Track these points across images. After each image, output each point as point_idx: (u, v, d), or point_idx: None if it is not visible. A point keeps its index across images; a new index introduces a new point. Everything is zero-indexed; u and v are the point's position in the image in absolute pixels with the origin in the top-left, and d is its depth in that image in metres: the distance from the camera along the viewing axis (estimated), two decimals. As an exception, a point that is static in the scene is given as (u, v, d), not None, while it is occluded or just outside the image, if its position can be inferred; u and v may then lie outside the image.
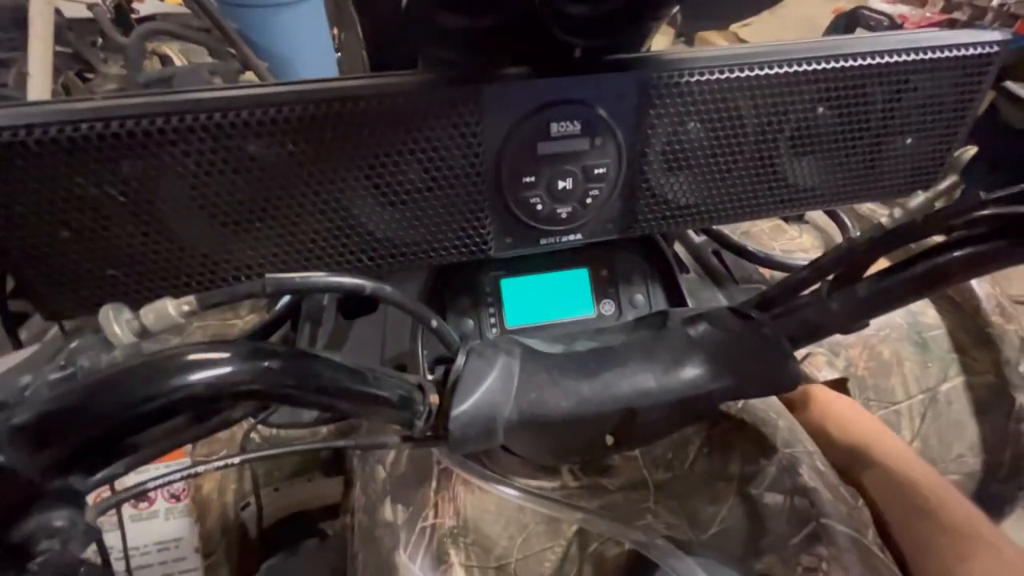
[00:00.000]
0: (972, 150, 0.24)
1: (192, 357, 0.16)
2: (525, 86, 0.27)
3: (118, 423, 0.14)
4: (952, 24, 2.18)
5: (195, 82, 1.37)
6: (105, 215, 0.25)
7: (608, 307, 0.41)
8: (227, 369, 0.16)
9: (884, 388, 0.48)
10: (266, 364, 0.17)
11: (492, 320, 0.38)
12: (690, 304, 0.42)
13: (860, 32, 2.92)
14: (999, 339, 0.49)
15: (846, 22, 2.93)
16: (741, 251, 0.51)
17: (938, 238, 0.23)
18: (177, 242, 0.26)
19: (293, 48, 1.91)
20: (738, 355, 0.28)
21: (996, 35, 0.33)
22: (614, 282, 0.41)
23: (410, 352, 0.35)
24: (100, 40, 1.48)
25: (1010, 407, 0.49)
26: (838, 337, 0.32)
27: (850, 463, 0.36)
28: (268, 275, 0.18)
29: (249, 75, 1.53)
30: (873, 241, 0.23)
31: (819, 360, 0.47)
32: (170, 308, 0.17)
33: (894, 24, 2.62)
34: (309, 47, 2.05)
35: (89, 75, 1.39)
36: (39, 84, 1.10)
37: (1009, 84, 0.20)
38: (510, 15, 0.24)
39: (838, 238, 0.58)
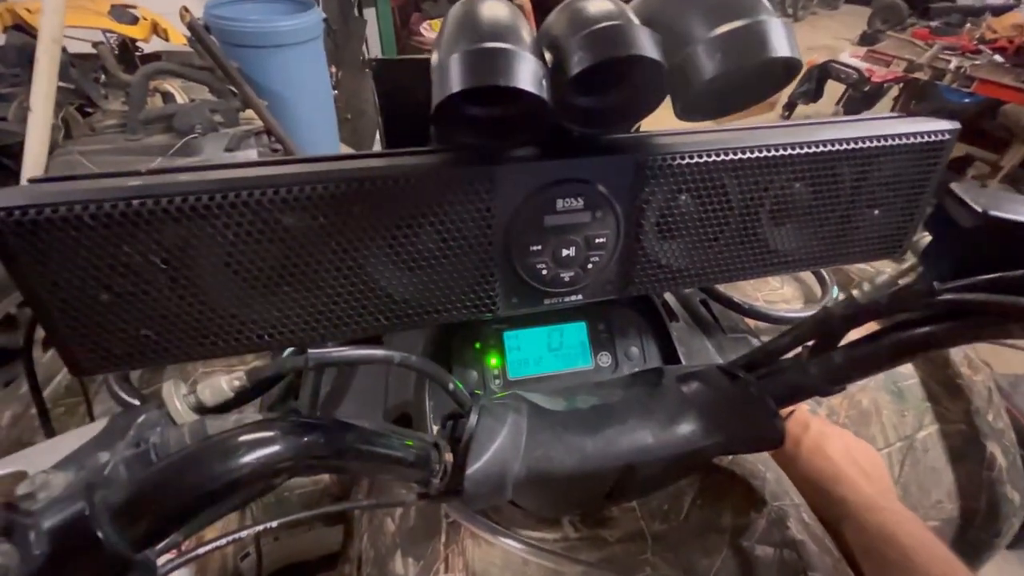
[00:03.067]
0: (927, 237, 0.27)
1: (247, 438, 0.17)
2: (534, 167, 0.30)
3: (191, 499, 0.16)
4: (908, 80, 2.34)
5: (196, 119, 1.39)
6: (145, 280, 0.26)
7: (605, 359, 0.43)
8: (276, 448, 0.17)
9: (865, 436, 0.51)
10: (309, 439, 0.19)
11: (495, 372, 0.40)
12: (680, 351, 0.45)
13: (831, 83, 3.11)
14: (968, 389, 0.52)
15: (819, 73, 3.13)
16: (727, 302, 0.54)
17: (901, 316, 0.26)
18: (209, 303, 0.28)
19: (292, 87, 1.97)
20: (728, 413, 0.30)
21: (947, 125, 0.37)
22: (611, 335, 0.43)
23: (415, 406, 0.36)
24: (103, 76, 1.51)
25: (982, 455, 0.51)
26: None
27: (828, 512, 0.38)
28: (311, 351, 0.20)
29: (249, 113, 1.57)
30: (845, 316, 0.26)
31: (803, 409, 0.49)
32: (224, 385, 0.18)
33: (862, 77, 2.81)
34: (308, 86, 2.11)
35: (90, 110, 1.42)
36: (40, 119, 1.12)
37: (954, 186, 0.23)
38: (525, 107, 0.27)
39: (817, 289, 0.62)
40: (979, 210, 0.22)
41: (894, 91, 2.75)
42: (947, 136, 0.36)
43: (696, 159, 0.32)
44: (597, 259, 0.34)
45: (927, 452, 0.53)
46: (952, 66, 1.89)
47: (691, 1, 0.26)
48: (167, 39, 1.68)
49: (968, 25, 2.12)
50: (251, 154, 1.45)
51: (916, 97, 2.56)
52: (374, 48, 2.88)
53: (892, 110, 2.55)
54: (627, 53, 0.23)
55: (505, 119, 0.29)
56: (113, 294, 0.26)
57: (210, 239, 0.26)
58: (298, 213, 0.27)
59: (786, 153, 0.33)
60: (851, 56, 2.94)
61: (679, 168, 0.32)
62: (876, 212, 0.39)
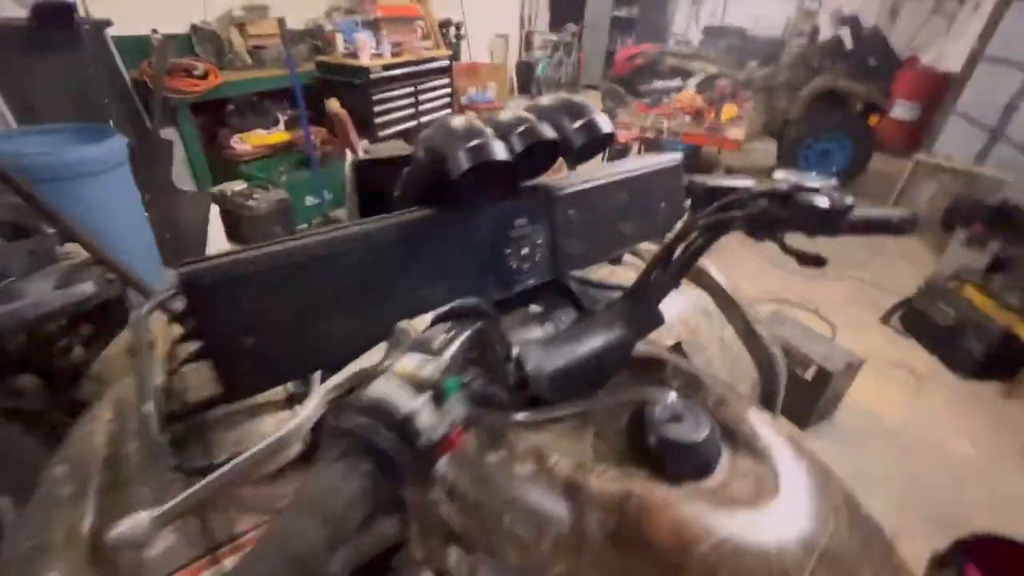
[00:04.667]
0: (686, 214, 0.56)
1: None
2: (502, 206, 0.51)
3: None
4: (644, 139, 3.26)
5: (9, 262, 1.25)
6: (280, 321, 0.39)
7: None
8: None
9: (697, 344, 0.81)
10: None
11: None
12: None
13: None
14: (737, 302, 0.87)
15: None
16: (595, 285, 0.81)
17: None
18: (317, 331, 0.41)
19: (104, 214, 1.84)
20: (634, 315, 0.54)
21: (679, 155, 0.70)
22: (551, 310, 0.65)
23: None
24: None
25: (758, 336, 0.86)
26: (669, 319, 0.61)
27: None
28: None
29: (75, 246, 1.46)
30: (667, 245, 0.52)
31: (663, 335, 0.77)
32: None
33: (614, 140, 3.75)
34: (121, 211, 1.99)
35: None
36: None
37: (692, 176, 0.51)
38: (500, 168, 0.49)
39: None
40: (698, 182, 0.51)
41: (634, 147, 3.71)
42: (680, 161, 0.69)
43: (572, 189, 0.57)
44: (538, 254, 0.55)
45: (732, 347, 0.85)
46: (665, 126, 2.74)
47: (561, 108, 0.51)
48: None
49: (665, 99, 3.11)
50: (87, 287, 1.34)
51: (650, 149, 3.52)
52: (182, 167, 2.78)
53: (639, 160, 3.50)
54: (541, 139, 0.47)
55: (487, 179, 0.49)
56: (255, 336, 0.38)
57: (325, 278, 0.41)
58: (370, 254, 0.43)
59: (616, 180, 0.61)
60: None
61: (567, 196, 0.57)
62: (663, 205, 0.70)
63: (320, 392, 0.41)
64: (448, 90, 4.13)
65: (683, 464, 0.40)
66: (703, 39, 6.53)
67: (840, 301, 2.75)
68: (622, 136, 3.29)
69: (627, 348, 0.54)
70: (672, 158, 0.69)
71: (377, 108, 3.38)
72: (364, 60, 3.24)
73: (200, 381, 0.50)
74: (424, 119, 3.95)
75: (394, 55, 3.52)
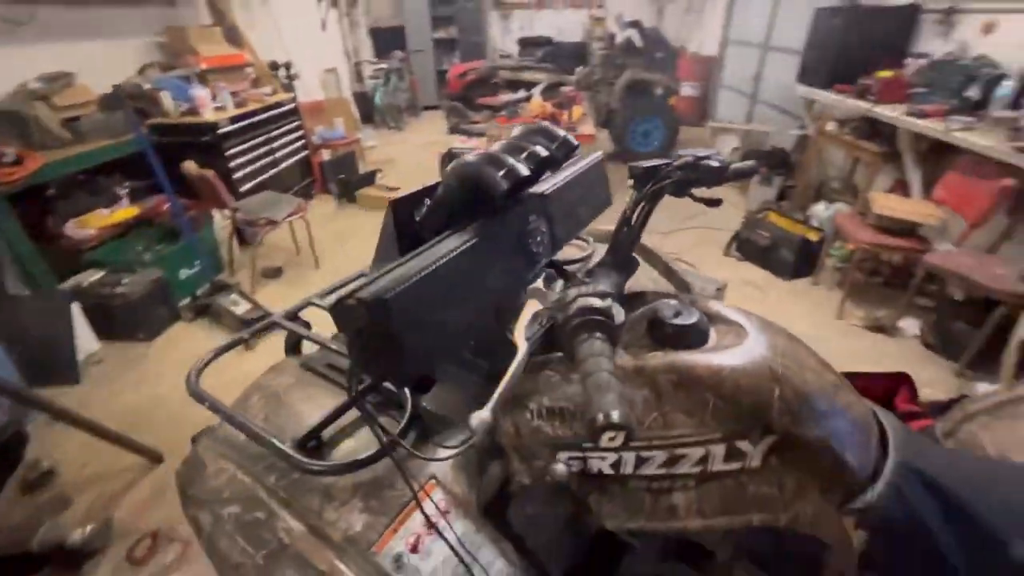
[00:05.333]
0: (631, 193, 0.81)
1: None
2: (521, 208, 0.71)
3: None
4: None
5: None
6: (424, 319, 0.54)
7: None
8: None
9: (639, 284, 1.09)
10: None
11: None
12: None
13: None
14: (657, 251, 1.17)
15: (449, 158, 4.26)
16: (569, 262, 1.04)
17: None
18: (444, 320, 0.57)
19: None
20: (620, 264, 0.78)
21: (600, 153, 0.96)
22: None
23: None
24: None
25: (677, 276, 1.17)
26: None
27: None
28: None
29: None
30: (628, 212, 0.77)
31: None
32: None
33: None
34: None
35: None
36: None
37: (632, 164, 0.77)
38: (523, 181, 0.67)
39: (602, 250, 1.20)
40: (636, 166, 0.77)
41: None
42: (602, 156, 0.95)
43: (552, 189, 0.79)
44: (544, 240, 0.76)
45: (659, 281, 1.15)
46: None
47: (539, 133, 0.72)
48: None
49: (522, 110, 3.49)
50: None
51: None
52: (8, 269, 2.37)
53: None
54: (541, 158, 0.68)
55: (510, 192, 0.68)
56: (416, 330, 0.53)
57: (442, 285, 0.56)
58: (470, 256, 0.60)
59: (574, 176, 0.84)
60: (461, 142, 4.14)
61: (551, 193, 0.78)
62: (596, 190, 0.95)
63: (523, 331, 0.57)
64: (301, 132, 4.04)
65: (691, 338, 0.64)
66: (520, 50, 7.24)
67: (691, 245, 3.40)
68: (484, 147, 3.60)
69: (623, 288, 0.78)
70: (596, 156, 0.94)
71: (233, 163, 3.21)
72: (208, 115, 3.06)
73: None
74: (284, 165, 3.82)
75: (238, 105, 3.36)
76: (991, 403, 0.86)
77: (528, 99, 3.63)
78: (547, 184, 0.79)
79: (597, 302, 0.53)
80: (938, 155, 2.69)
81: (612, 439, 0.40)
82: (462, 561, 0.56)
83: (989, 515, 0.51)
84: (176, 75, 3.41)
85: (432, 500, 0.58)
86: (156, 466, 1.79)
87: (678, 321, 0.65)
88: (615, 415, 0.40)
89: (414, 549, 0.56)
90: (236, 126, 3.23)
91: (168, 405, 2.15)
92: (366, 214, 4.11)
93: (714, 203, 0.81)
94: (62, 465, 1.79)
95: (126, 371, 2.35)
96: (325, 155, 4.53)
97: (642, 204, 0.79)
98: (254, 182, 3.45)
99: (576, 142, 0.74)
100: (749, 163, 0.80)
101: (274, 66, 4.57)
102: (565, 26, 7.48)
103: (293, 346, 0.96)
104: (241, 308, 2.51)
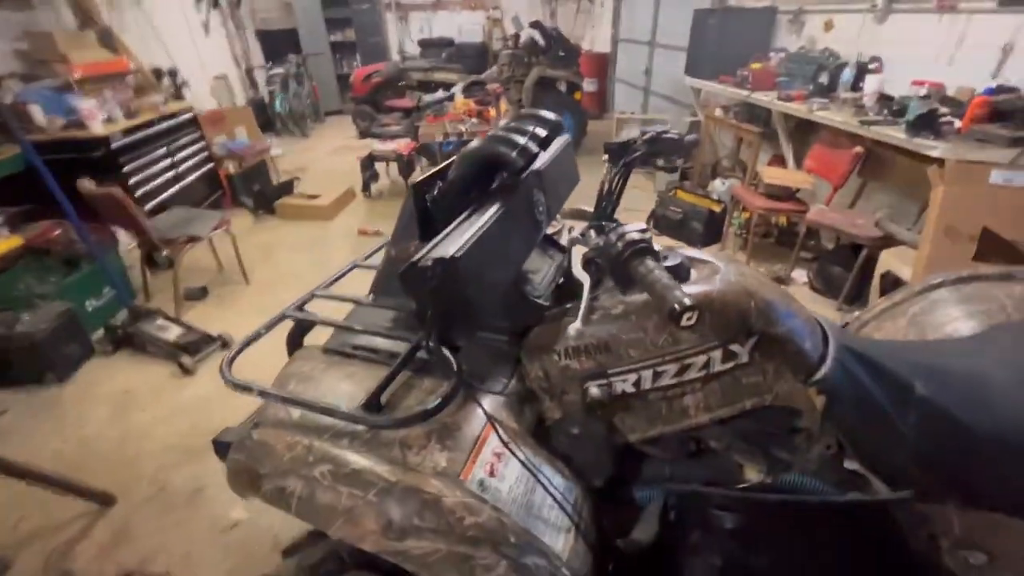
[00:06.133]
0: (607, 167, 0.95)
1: None
2: (526, 181, 0.81)
3: None
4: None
5: None
6: (476, 279, 0.63)
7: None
8: None
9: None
10: None
11: None
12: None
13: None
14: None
15: (371, 160, 4.18)
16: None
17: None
18: (489, 281, 0.66)
19: None
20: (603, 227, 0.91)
21: (568, 136, 1.09)
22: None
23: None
24: None
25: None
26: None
27: None
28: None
29: None
30: (606, 183, 0.90)
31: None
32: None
33: (400, 155, 4.04)
34: None
35: None
36: None
37: (605, 143, 0.90)
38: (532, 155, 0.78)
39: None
40: (611, 142, 0.91)
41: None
42: (571, 139, 1.09)
43: (544, 166, 0.90)
44: (543, 209, 0.87)
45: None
46: (463, 128, 3.20)
47: (534, 119, 0.83)
48: None
49: (448, 108, 3.57)
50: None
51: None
52: None
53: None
54: (543, 138, 0.79)
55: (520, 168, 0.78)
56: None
57: (487, 249, 0.66)
58: (504, 221, 0.69)
59: (555, 155, 0.96)
60: (381, 144, 4.10)
61: (545, 170, 0.90)
62: (568, 168, 1.08)
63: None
64: (203, 144, 3.75)
65: (681, 274, 0.79)
66: (422, 51, 7.23)
67: (614, 228, 3.70)
68: (405, 146, 3.61)
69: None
70: (565, 138, 1.08)
71: (133, 180, 2.92)
72: (97, 129, 2.75)
73: None
74: (189, 179, 3.53)
75: (129, 117, 3.05)
76: (876, 312, 1.13)
77: (451, 98, 3.70)
78: (540, 162, 0.91)
79: (639, 235, 0.66)
80: (804, 132, 3.22)
81: (689, 319, 0.53)
82: (534, 475, 0.67)
83: (899, 369, 0.72)
84: (45, 86, 3.02)
85: (497, 433, 0.68)
86: (108, 509, 1.64)
87: (669, 263, 0.80)
88: (687, 300, 0.53)
89: (491, 474, 0.65)
90: (131, 139, 2.94)
91: (100, 445, 1.96)
92: (288, 225, 3.92)
93: (673, 170, 0.98)
94: (-13, 527, 1.58)
95: (39, 420, 2.08)
96: (231, 167, 4.23)
97: (617, 175, 0.93)
98: (157, 200, 3.16)
99: (564, 124, 0.87)
100: (693, 136, 0.98)
101: (159, 73, 4.17)
102: (465, 26, 7.60)
103: (297, 342, 0.99)
104: (172, 333, 2.32)
